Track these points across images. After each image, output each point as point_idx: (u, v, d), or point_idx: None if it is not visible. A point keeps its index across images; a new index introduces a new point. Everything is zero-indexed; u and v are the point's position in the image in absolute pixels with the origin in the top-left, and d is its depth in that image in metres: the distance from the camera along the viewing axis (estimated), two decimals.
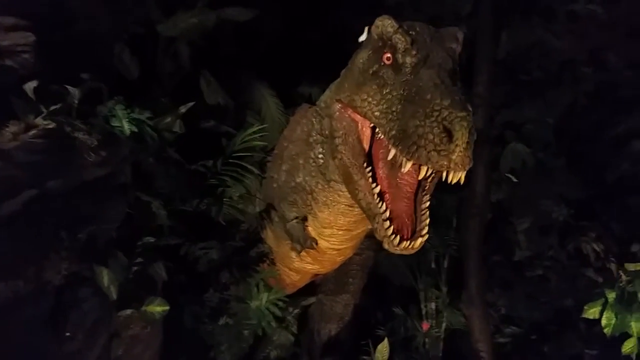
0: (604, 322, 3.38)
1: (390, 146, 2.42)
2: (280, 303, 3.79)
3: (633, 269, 3.39)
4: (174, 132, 3.69)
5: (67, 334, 2.56)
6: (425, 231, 2.55)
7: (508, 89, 5.26)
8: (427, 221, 2.59)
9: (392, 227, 2.51)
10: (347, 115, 2.78)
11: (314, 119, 3.28)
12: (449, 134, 2.12)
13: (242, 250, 4.09)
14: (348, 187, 2.82)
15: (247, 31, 4.66)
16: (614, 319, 3.30)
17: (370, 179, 2.66)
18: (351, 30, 6.09)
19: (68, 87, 2.77)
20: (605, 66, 5.06)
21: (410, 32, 2.51)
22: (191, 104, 3.82)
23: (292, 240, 3.53)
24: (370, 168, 2.71)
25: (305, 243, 3.42)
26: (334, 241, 3.60)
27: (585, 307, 3.53)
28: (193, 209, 3.85)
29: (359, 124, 2.74)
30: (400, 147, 2.30)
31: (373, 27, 2.62)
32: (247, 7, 4.25)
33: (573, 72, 5.20)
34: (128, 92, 3.49)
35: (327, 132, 3.05)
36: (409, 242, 2.49)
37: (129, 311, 3.12)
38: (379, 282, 5.02)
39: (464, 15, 4.98)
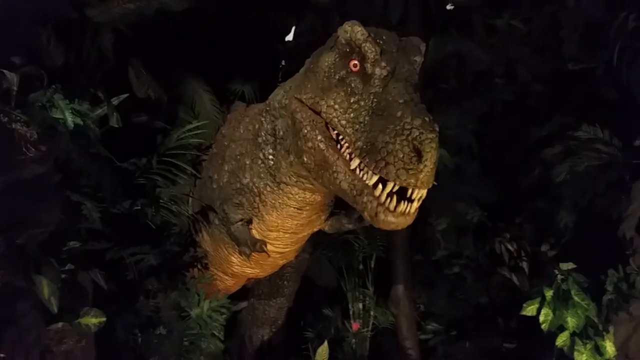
0: (541, 318, 3.65)
1: (354, 156, 2.41)
2: (224, 310, 3.61)
3: (566, 269, 3.70)
4: (103, 126, 3.40)
5: (2, 355, 2.21)
6: (419, 195, 2.31)
7: (429, 95, 5.49)
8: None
9: (384, 192, 2.29)
10: (308, 109, 2.69)
11: (262, 119, 3.16)
12: (418, 154, 2.16)
13: (175, 255, 3.86)
14: (324, 176, 2.62)
15: (178, 23, 4.41)
16: (551, 315, 3.59)
17: (348, 157, 2.51)
18: (277, 28, 6.07)
19: (5, 71, 2.41)
20: (516, 79, 5.45)
21: (378, 41, 2.51)
22: (124, 95, 3.55)
23: (239, 244, 3.37)
24: (343, 148, 2.56)
25: (254, 246, 3.28)
26: (278, 244, 3.52)
27: (524, 305, 3.79)
28: (125, 211, 3.56)
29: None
30: (367, 160, 2.31)
31: (341, 31, 2.55)
32: None
33: (488, 83, 5.54)
34: (52, 80, 3.15)
35: (282, 131, 2.94)
36: (405, 203, 2.29)
37: (60, 324, 2.80)
38: (303, 283, 5.00)
39: (394, 23, 5.10)
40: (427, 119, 2.21)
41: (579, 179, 4.54)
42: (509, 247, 5.04)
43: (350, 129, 2.42)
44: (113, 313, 3.22)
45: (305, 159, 2.70)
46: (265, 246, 3.33)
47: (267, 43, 5.42)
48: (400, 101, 2.30)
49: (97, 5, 3.51)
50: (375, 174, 2.28)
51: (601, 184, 4.44)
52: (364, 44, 2.46)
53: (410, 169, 2.16)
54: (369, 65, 2.45)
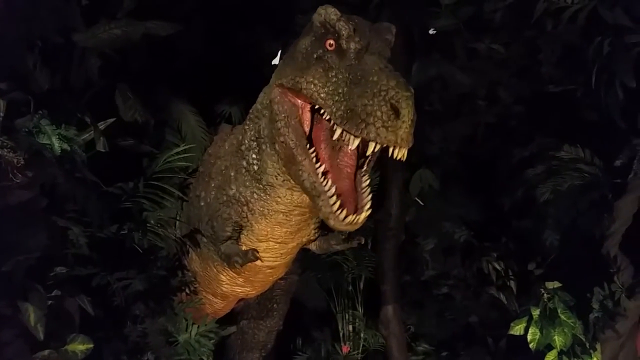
0: (529, 337, 3.67)
1: (336, 126, 2.55)
2: (212, 335, 3.57)
3: (552, 287, 3.74)
4: (90, 151, 3.39)
5: None
6: (368, 206, 2.66)
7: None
8: (369, 197, 2.73)
9: (338, 203, 2.59)
10: (287, 100, 2.83)
11: (246, 127, 3.27)
12: (395, 112, 2.28)
13: (162, 280, 3.82)
14: (291, 170, 2.82)
15: (164, 47, 4.44)
16: (539, 333, 3.61)
17: (314, 159, 2.73)
18: (263, 52, 6.14)
19: None
20: (498, 101, 5.56)
21: (351, 21, 2.67)
22: (111, 120, 3.56)
23: (230, 258, 3.26)
24: (313, 149, 2.79)
25: (245, 256, 3.20)
26: (268, 257, 3.50)
27: (512, 324, 3.81)
28: (112, 235, 3.53)
29: (299, 108, 2.82)
30: (348, 126, 2.44)
31: (315, 16, 2.73)
32: (169, 21, 4.06)
33: (471, 105, 5.64)
34: (38, 106, 3.15)
35: (267, 129, 3.01)
36: (354, 216, 2.59)
37: (47, 352, 2.75)
38: (292, 305, 4.97)
39: None
40: (401, 80, 2.35)
41: (563, 198, 4.61)
42: (497, 266, 5.08)
43: (330, 100, 2.55)
44: (100, 339, 3.18)
45: (277, 147, 2.88)
46: (258, 253, 3.27)
47: (254, 66, 5.47)
48: (376, 68, 2.42)
49: (84, 31, 3.52)
50: (357, 138, 2.42)
51: (584, 203, 4.51)
52: (337, 23, 2.64)
53: (390, 126, 2.28)
54: (343, 41, 2.61)
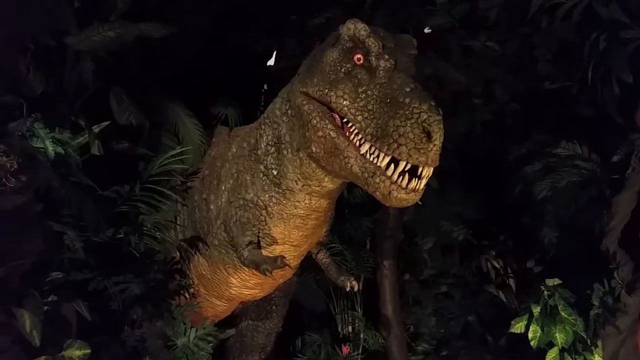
0: (530, 335, 3.66)
1: (365, 141, 2.58)
2: (211, 338, 3.55)
3: (552, 284, 3.73)
4: (85, 155, 3.36)
5: None
6: (426, 173, 2.46)
7: None
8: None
9: (397, 172, 2.45)
10: (314, 101, 2.81)
11: (261, 131, 3.25)
12: (427, 135, 2.34)
13: (159, 284, 3.79)
14: (335, 162, 2.74)
15: (158, 49, 4.41)
16: (540, 331, 3.60)
17: (357, 142, 2.65)
18: (258, 53, 6.11)
19: None
20: (494, 98, 5.54)
21: (379, 38, 2.69)
22: (106, 123, 3.53)
23: (259, 266, 3.16)
24: (352, 135, 2.71)
25: (274, 263, 3.10)
26: None
27: (513, 322, 3.80)
28: (108, 239, 3.50)
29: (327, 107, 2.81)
30: (378, 144, 2.49)
31: (344, 29, 2.74)
32: (163, 23, 4.03)
33: (467, 103, 5.62)
34: (31, 109, 3.12)
35: (289, 135, 3.01)
36: (415, 180, 2.44)
37: (43, 358, 2.72)
38: (292, 307, 4.95)
39: None
40: (432, 103, 2.39)
41: (560, 195, 4.60)
42: (495, 264, 5.08)
43: (360, 116, 2.58)
44: (98, 344, 3.16)
45: (313, 149, 2.82)
46: (285, 259, 3.17)
47: (249, 68, 5.46)
48: (407, 89, 2.47)
49: (77, 33, 3.49)
50: (388, 156, 2.45)
51: (582, 200, 4.50)
52: (367, 39, 2.66)
53: (421, 148, 2.34)
54: (373, 58, 2.64)
